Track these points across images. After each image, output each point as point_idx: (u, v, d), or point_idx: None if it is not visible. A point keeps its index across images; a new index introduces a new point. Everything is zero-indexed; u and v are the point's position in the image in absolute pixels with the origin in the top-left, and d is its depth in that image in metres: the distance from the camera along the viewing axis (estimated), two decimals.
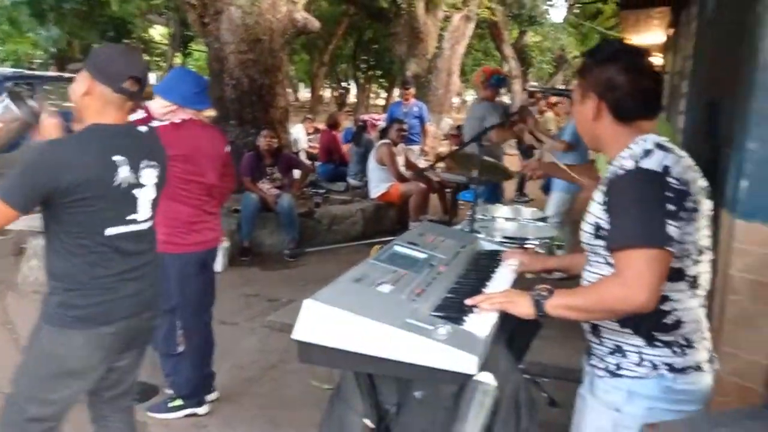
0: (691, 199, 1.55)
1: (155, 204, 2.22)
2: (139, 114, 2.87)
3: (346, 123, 10.77)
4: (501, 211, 3.42)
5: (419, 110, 8.57)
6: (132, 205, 2.11)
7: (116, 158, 2.04)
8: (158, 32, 30.01)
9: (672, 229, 1.49)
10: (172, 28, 24.79)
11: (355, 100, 36.94)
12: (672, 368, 1.60)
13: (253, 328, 4.49)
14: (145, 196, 2.15)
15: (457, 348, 1.50)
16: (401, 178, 7.04)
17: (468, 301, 1.73)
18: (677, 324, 1.60)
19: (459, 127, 8.62)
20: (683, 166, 1.56)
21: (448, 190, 7.86)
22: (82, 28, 15.28)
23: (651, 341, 1.61)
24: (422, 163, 8.17)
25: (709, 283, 1.66)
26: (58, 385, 2.08)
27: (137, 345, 2.26)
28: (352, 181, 8.12)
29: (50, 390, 2.08)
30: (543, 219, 3.25)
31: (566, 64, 22.47)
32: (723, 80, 2.87)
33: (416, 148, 8.51)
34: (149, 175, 2.16)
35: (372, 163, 7.12)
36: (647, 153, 1.56)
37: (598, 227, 1.63)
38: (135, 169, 2.10)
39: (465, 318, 1.68)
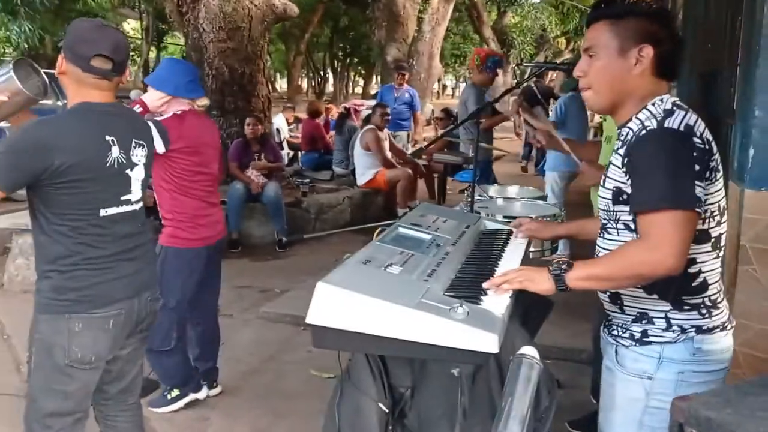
0: (714, 159, 1.52)
1: (145, 185, 2.17)
2: (136, 109, 2.80)
3: (334, 111, 10.66)
4: (500, 191, 3.39)
5: (410, 97, 8.51)
6: (125, 185, 2.06)
7: (108, 138, 1.98)
8: (131, 26, 29.58)
9: (698, 189, 1.46)
10: (146, 22, 24.44)
11: (333, 89, 36.79)
12: (700, 330, 1.59)
13: (247, 320, 4.44)
14: (136, 176, 2.10)
15: (476, 327, 1.47)
16: (388, 164, 6.99)
17: (486, 285, 1.68)
18: (704, 286, 1.59)
19: (446, 110, 8.57)
20: (703, 125, 1.53)
21: (435, 174, 7.84)
22: (54, 23, 14.98)
23: (679, 305, 1.60)
24: (410, 151, 8.12)
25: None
26: (68, 376, 2.01)
27: (140, 331, 2.19)
28: (337, 170, 8.05)
29: (62, 382, 2.02)
30: (542, 197, 3.22)
31: (548, 44, 22.47)
32: (719, 50, 2.86)
33: (404, 134, 8.46)
34: (139, 155, 2.11)
35: (358, 150, 7.06)
36: (669, 112, 1.53)
37: (619, 191, 1.59)
38: (126, 148, 2.04)
39: (480, 297, 1.64)
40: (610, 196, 1.63)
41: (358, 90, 42.28)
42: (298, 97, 25.74)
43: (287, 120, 10.89)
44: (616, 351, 1.71)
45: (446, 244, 2.02)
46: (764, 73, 2.24)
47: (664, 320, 1.61)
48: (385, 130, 7.19)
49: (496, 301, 1.62)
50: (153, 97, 2.93)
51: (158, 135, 2.67)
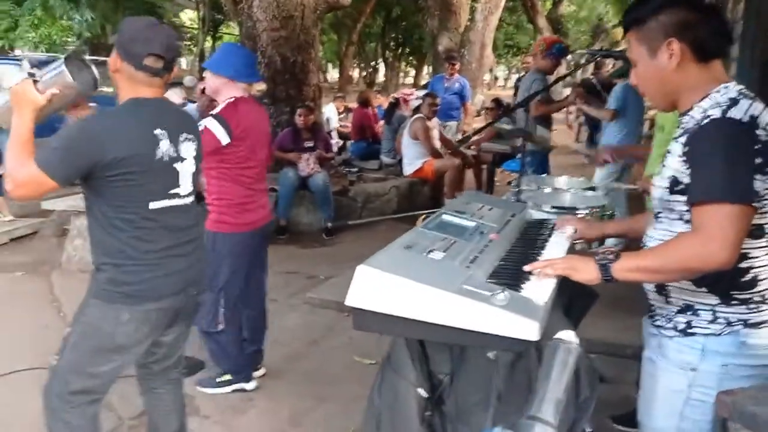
0: None
1: (195, 178, 2.22)
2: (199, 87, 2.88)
3: (383, 101, 10.65)
4: (548, 181, 3.34)
5: (461, 87, 8.45)
6: (174, 179, 2.11)
7: (157, 132, 2.04)
8: (188, 16, 30.16)
9: (758, 183, 1.42)
10: (202, 12, 24.88)
11: (384, 79, 36.76)
12: (746, 324, 1.56)
13: (293, 305, 4.50)
14: (185, 170, 2.15)
15: (517, 314, 1.46)
16: (436, 154, 6.95)
17: (527, 267, 1.67)
18: (754, 282, 1.55)
19: (496, 100, 8.47)
20: None
21: (483, 165, 7.76)
22: (116, 12, 15.38)
23: (727, 300, 1.56)
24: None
25: None
26: (103, 359, 2.10)
27: (183, 320, 2.27)
28: (385, 159, 8.05)
29: (95, 364, 2.10)
30: (592, 188, 3.16)
31: (604, 34, 21.93)
32: None
33: (453, 124, 8.41)
34: (188, 149, 2.16)
35: (406, 139, 7.04)
36: (734, 102, 1.48)
37: (675, 181, 1.55)
38: (174, 142, 2.10)
39: (522, 285, 1.63)
40: (666, 185, 1.59)
41: (409, 80, 42.11)
42: (349, 87, 25.82)
43: (338, 109, 10.95)
44: (659, 342, 1.68)
45: (490, 232, 2.01)
46: None
47: (710, 313, 1.58)
48: (435, 120, 7.16)
49: (539, 289, 1.61)
50: (210, 81, 2.99)
51: (221, 127, 2.75)
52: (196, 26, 27.63)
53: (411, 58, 38.17)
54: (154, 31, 2.04)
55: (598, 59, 6.45)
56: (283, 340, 3.90)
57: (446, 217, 2.08)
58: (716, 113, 1.48)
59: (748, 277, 1.54)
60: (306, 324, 4.20)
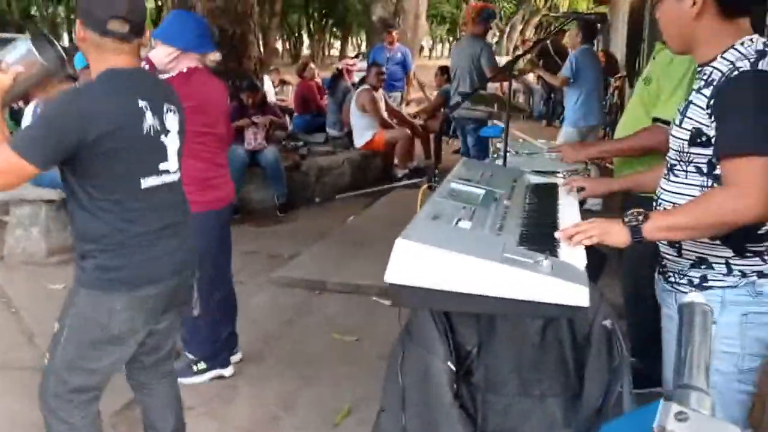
0: None
1: (180, 154, 2.08)
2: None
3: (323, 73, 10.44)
4: (521, 146, 3.32)
5: (403, 56, 8.35)
6: (162, 153, 1.97)
7: (141, 103, 1.88)
8: None
9: None
10: None
11: (310, 51, 36.13)
12: (762, 274, 1.58)
13: (260, 285, 4.36)
14: (172, 144, 2.01)
15: (565, 280, 1.42)
16: (385, 125, 6.88)
17: (558, 234, 1.64)
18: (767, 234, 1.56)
19: (442, 68, 8.44)
20: None
21: (431, 134, 7.75)
22: None
23: (741, 252, 1.58)
24: (404, 111, 8.01)
25: None
26: (101, 352, 1.96)
27: (176, 305, 2.14)
28: (331, 132, 7.91)
29: (93, 358, 1.96)
30: None
31: (526, 2, 22.25)
32: None
33: (398, 95, 8.32)
34: (172, 121, 2.01)
35: (354, 111, 6.93)
36: (761, 54, 1.47)
37: (699, 133, 1.54)
38: (159, 114, 1.94)
39: (557, 249, 1.59)
40: (687, 137, 1.58)
41: (335, 52, 41.60)
42: (275, 61, 25.21)
43: (273, 83, 10.65)
44: (676, 298, 1.69)
45: (502, 198, 1.97)
46: None
47: (724, 266, 1.60)
48: (381, 91, 7.07)
49: (573, 254, 1.58)
50: (161, 54, 2.77)
51: None
52: None
53: (335, 29, 37.69)
54: None
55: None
56: (257, 323, 3.77)
57: (455, 186, 2.02)
58: (745, 65, 1.47)
59: (764, 229, 1.56)
60: (277, 305, 4.08)
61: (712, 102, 1.51)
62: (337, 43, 42.47)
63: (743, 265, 1.58)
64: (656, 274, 1.83)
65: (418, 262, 1.46)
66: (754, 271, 1.58)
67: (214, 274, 3.01)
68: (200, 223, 2.82)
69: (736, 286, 1.59)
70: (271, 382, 3.16)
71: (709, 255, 1.61)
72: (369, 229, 5.40)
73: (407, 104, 8.88)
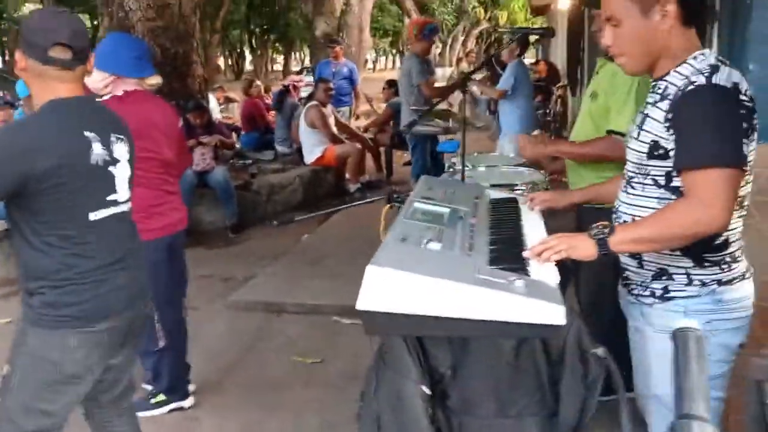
0: (755, 117, 1.51)
1: (131, 182, 2.01)
2: None
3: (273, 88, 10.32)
4: (476, 159, 3.34)
5: (349, 71, 8.34)
6: (110, 184, 1.90)
7: (87, 134, 1.81)
8: (30, 9, 27.78)
9: (745, 147, 1.46)
10: (46, 4, 22.97)
11: (252, 67, 35.84)
12: (720, 282, 1.61)
13: (216, 311, 4.25)
14: (121, 174, 1.94)
15: (540, 299, 1.41)
16: (335, 140, 6.84)
17: (526, 254, 1.63)
18: (725, 244, 1.60)
19: (389, 82, 8.46)
20: (746, 82, 1.51)
21: (381, 148, 7.75)
22: None
23: (700, 262, 1.60)
24: (353, 125, 8.00)
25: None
26: (55, 393, 1.87)
27: (132, 339, 2.05)
28: (280, 148, 7.83)
29: (47, 400, 1.86)
30: (522, 164, 3.19)
31: (466, 14, 22.62)
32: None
33: (346, 110, 8.30)
34: (121, 150, 1.95)
35: (303, 127, 6.87)
36: (715, 68, 1.50)
37: (656, 146, 1.56)
38: (106, 144, 1.88)
39: (528, 268, 1.58)
40: (645, 150, 1.60)
41: (278, 67, 41.41)
42: (218, 77, 24.90)
43: (218, 100, 10.47)
44: (641, 311, 1.71)
45: (467, 216, 1.95)
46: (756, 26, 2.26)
47: (685, 276, 1.62)
48: (329, 106, 7.04)
49: (545, 271, 1.57)
50: (95, 79, 2.65)
51: None
52: None
53: (277, 44, 37.47)
54: (57, 18, 1.82)
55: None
56: (215, 350, 3.67)
57: (419, 205, 1.99)
58: (700, 80, 1.50)
59: (720, 240, 1.59)
60: (234, 330, 3.97)
61: (669, 116, 1.53)
62: (280, 58, 42.27)
63: (703, 274, 1.60)
64: (619, 286, 1.84)
65: (390, 287, 1.42)
66: (713, 280, 1.60)
67: (166, 305, 2.89)
68: (149, 251, 2.72)
69: (698, 296, 1.61)
70: (233, 413, 3.06)
71: (669, 266, 1.63)
72: (324, 247, 5.34)
73: (356, 118, 8.86)
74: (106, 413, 2.13)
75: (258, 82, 9.02)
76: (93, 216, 1.83)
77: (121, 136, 1.96)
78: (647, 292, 1.68)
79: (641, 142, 1.61)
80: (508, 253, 1.69)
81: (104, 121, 1.93)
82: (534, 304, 1.40)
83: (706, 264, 1.60)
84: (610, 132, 2.47)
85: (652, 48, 1.59)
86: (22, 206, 1.74)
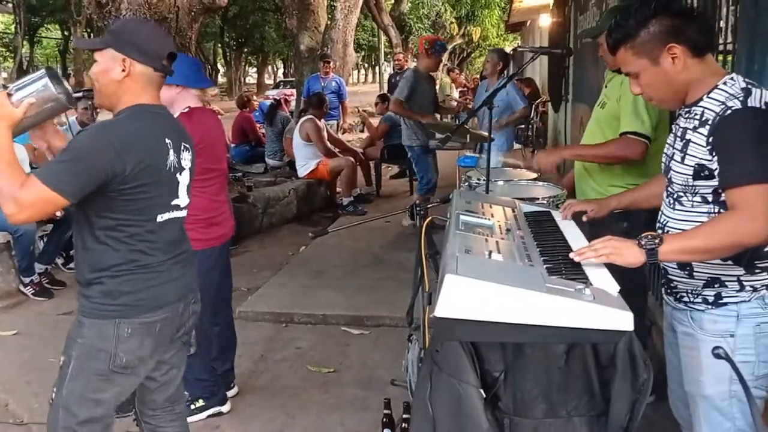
0: None
1: (190, 191, 2.11)
2: None
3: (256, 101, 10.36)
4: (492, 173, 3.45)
5: (338, 85, 8.44)
6: (175, 189, 2.00)
7: (167, 140, 1.92)
8: (1, 20, 27.27)
9: None
10: (19, 15, 22.60)
11: (224, 79, 35.69)
12: None
13: None
14: (184, 181, 2.04)
15: (609, 306, 1.52)
16: (329, 153, 6.92)
17: (572, 255, 1.74)
18: None
19: (382, 96, 8.59)
20: None
21: (371, 162, 7.84)
22: None
23: (751, 269, 1.73)
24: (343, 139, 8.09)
25: None
26: (108, 383, 1.92)
27: (183, 334, 2.12)
28: (270, 161, 7.87)
29: (100, 389, 1.92)
30: (536, 178, 3.32)
31: (442, 30, 22.90)
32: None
33: (334, 123, 8.39)
34: (186, 159, 2.05)
35: (297, 141, 6.93)
36: (747, 92, 1.64)
37: (701, 168, 1.69)
38: (177, 152, 1.98)
39: (588, 277, 1.69)
40: (691, 173, 1.73)
41: (251, 80, 41.31)
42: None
43: None
44: (691, 316, 1.82)
45: (513, 228, 2.06)
46: None
47: (737, 282, 1.74)
48: (322, 120, 7.12)
49: (605, 279, 1.68)
50: (164, 94, 2.76)
51: None
52: (10, 31, 25.13)
53: (251, 58, 37.41)
54: (162, 29, 1.97)
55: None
56: None
57: (465, 218, 2.09)
58: (736, 104, 1.64)
59: None
60: (245, 340, 3.97)
61: (710, 139, 1.67)
62: (253, 71, 42.20)
63: (754, 280, 1.74)
64: (664, 295, 1.96)
65: (468, 295, 1.52)
66: (763, 285, 1.74)
67: (214, 310, 3.01)
68: (201, 260, 2.80)
69: (748, 300, 1.74)
70: (255, 420, 3.11)
71: (721, 275, 1.76)
72: (325, 258, 5.41)
73: (344, 132, 8.95)
74: (160, 419, 2.17)
75: (254, 99, 9.06)
76: (160, 218, 1.93)
77: (188, 146, 2.06)
78: (699, 299, 1.80)
79: (686, 165, 1.74)
80: (562, 263, 1.79)
81: (177, 129, 2.04)
82: (604, 311, 1.50)
83: (757, 270, 1.73)
84: (623, 134, 2.63)
85: (676, 87, 1.75)
86: (98, 203, 1.81)
